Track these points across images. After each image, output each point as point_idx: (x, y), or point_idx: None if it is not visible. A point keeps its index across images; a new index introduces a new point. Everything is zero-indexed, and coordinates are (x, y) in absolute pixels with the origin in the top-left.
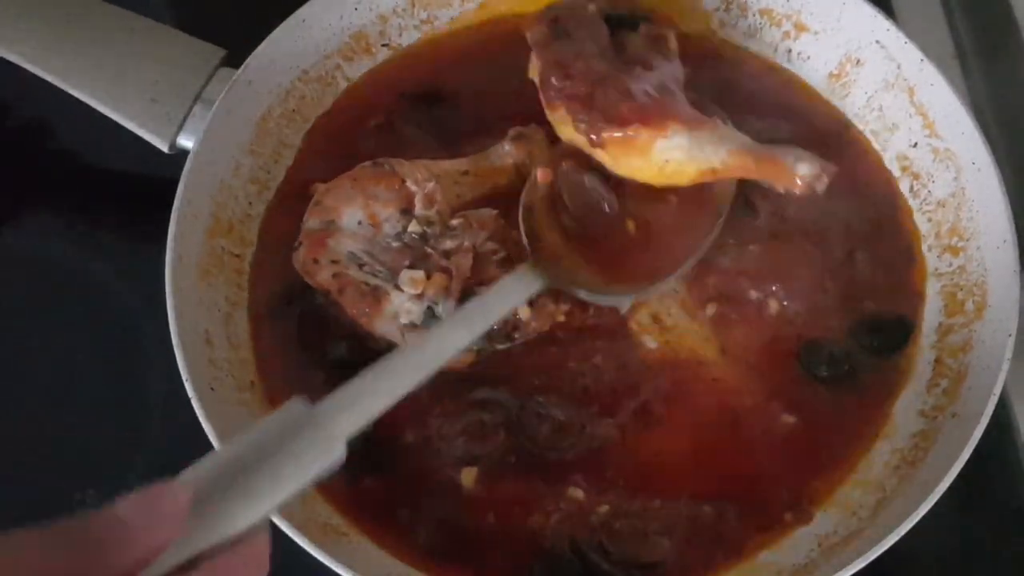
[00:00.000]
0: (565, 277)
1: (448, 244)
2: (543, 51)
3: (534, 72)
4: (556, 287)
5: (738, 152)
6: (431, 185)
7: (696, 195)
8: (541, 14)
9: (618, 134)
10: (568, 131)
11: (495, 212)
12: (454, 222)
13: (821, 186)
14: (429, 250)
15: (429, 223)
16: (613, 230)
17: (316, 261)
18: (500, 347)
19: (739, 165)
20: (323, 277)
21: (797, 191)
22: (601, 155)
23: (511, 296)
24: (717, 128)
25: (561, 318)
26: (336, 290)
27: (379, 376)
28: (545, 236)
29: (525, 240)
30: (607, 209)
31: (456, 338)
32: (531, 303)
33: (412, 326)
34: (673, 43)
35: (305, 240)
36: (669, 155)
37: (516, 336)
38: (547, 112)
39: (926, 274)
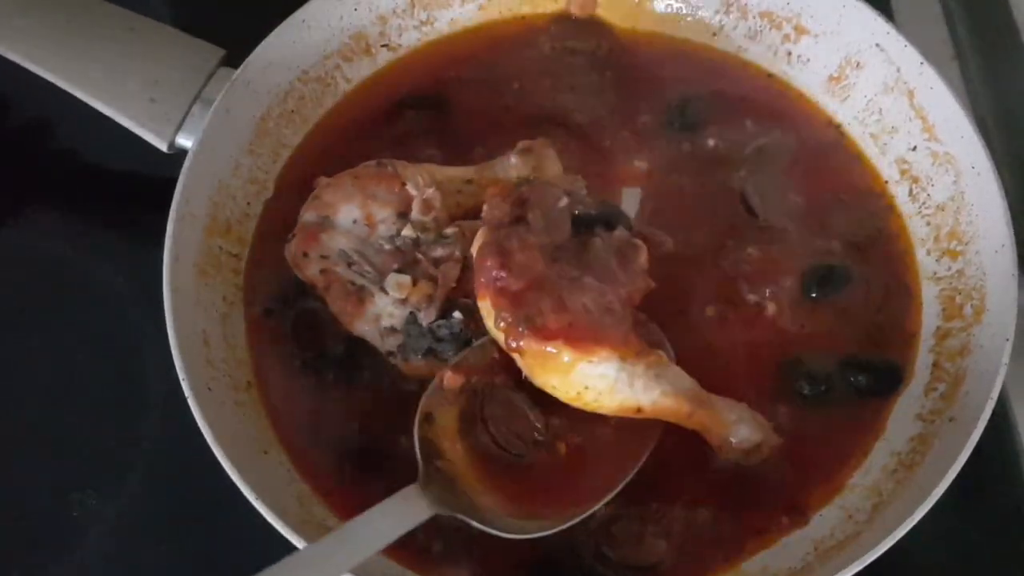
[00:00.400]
0: (463, 503)
1: (439, 252)
2: (492, 231)
3: (475, 247)
4: (449, 515)
5: (673, 396)
6: (431, 191)
7: (636, 421)
8: (509, 190)
9: (537, 346)
10: (490, 323)
11: None
12: (449, 231)
13: (756, 458)
14: (420, 256)
15: (424, 229)
16: (538, 452)
17: (306, 255)
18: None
19: (671, 410)
20: (311, 272)
21: (724, 456)
22: (518, 360)
23: (391, 524)
24: (656, 364)
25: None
26: (322, 286)
27: None
28: (446, 451)
29: (418, 454)
30: (536, 435)
31: (330, 567)
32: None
33: (392, 330)
34: (643, 258)
35: (299, 233)
36: (591, 382)
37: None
38: (476, 296)
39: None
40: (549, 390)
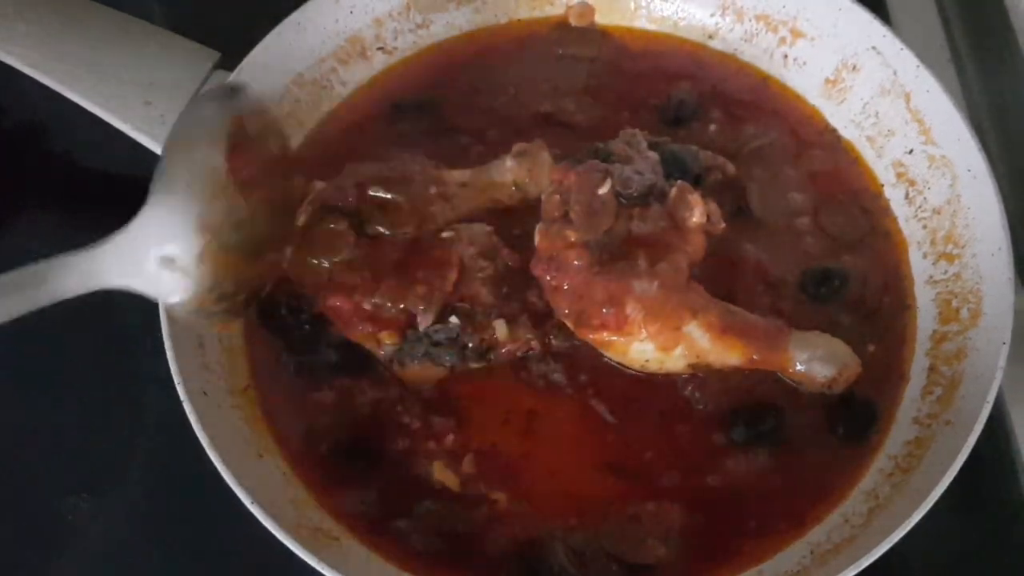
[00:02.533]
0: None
1: (435, 255)
2: (544, 227)
3: (538, 239)
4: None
5: (738, 347)
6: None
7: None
8: (561, 181)
9: (592, 336)
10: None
11: (489, 229)
12: (445, 235)
13: (837, 389)
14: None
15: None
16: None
17: (305, 259)
18: (474, 366)
19: (738, 361)
20: (309, 277)
21: (806, 391)
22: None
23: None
24: (719, 319)
25: (535, 345)
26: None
27: None
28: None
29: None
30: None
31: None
32: (509, 323)
33: (389, 335)
34: (697, 214)
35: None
36: (649, 356)
37: (490, 356)
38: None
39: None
40: (621, 363)
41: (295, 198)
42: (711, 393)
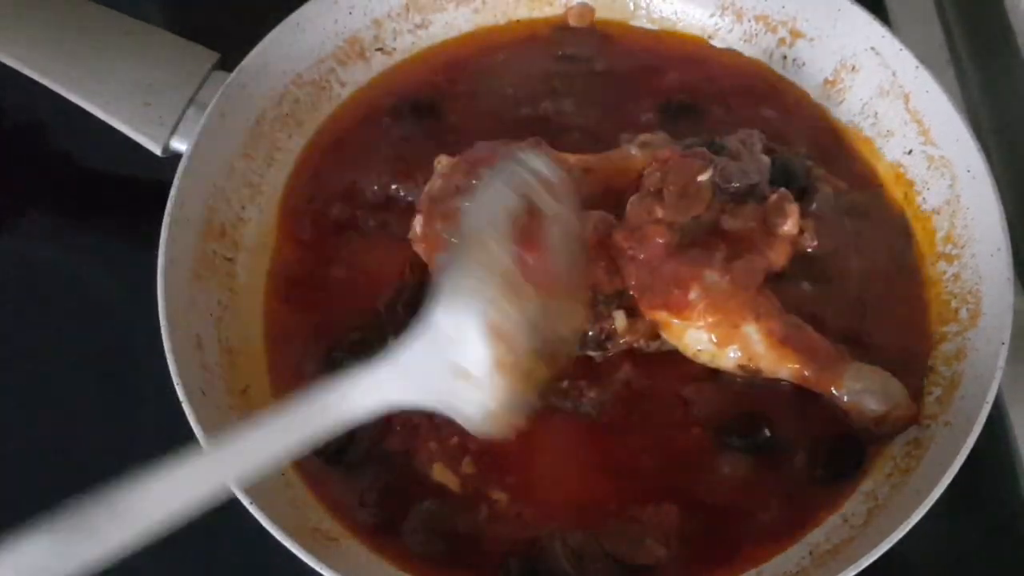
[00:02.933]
0: None
1: None
2: (637, 200)
3: (628, 208)
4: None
5: (793, 360)
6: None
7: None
8: (661, 162)
9: (651, 313)
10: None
11: (611, 217)
12: None
13: (886, 429)
14: None
15: None
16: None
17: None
18: (591, 354)
19: (789, 374)
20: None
21: (854, 422)
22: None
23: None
24: (780, 328)
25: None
26: None
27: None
28: None
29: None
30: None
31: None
32: (629, 313)
33: None
34: (790, 223)
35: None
36: (702, 346)
37: (608, 346)
38: None
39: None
40: (671, 345)
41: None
42: (709, 399)
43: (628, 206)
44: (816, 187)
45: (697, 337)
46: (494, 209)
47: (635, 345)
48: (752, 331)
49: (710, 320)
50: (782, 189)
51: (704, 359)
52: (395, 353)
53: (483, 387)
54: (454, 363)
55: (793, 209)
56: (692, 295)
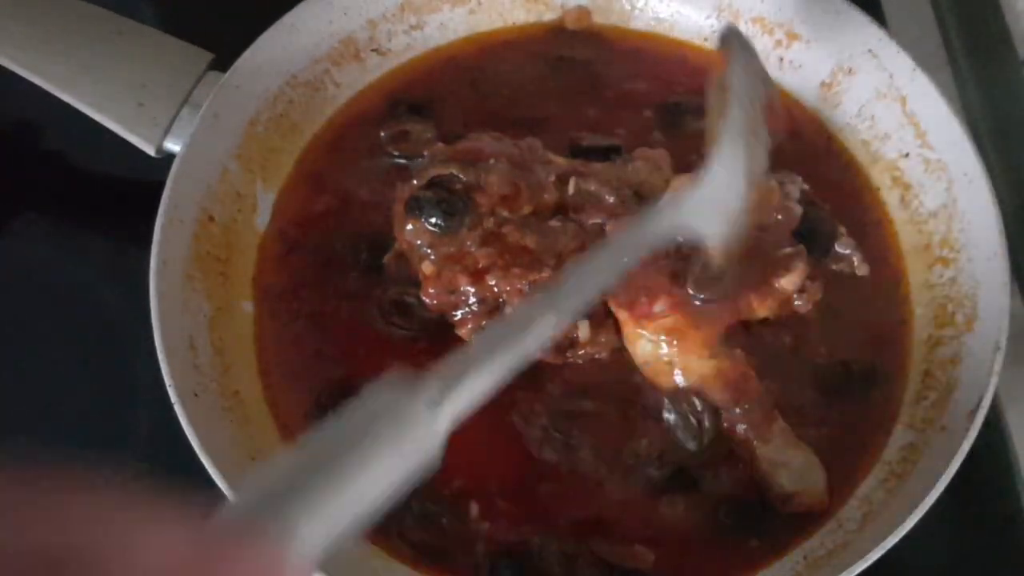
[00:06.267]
0: None
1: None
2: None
3: None
4: None
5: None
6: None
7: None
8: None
9: (616, 311)
10: None
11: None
12: (553, 223)
13: (788, 507)
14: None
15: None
16: None
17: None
18: (549, 360)
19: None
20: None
21: (761, 485)
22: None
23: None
24: (729, 371)
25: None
26: None
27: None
28: None
29: None
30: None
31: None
32: (593, 325)
33: None
34: (790, 279)
35: None
36: (647, 358)
37: (568, 354)
38: None
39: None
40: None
41: None
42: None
43: None
44: (839, 255)
45: (647, 350)
46: (755, 83)
47: (595, 356)
48: (703, 365)
49: (666, 339)
50: (800, 246)
51: (647, 372)
52: (690, 192)
53: (737, 225)
54: (724, 204)
55: (801, 270)
56: (657, 307)
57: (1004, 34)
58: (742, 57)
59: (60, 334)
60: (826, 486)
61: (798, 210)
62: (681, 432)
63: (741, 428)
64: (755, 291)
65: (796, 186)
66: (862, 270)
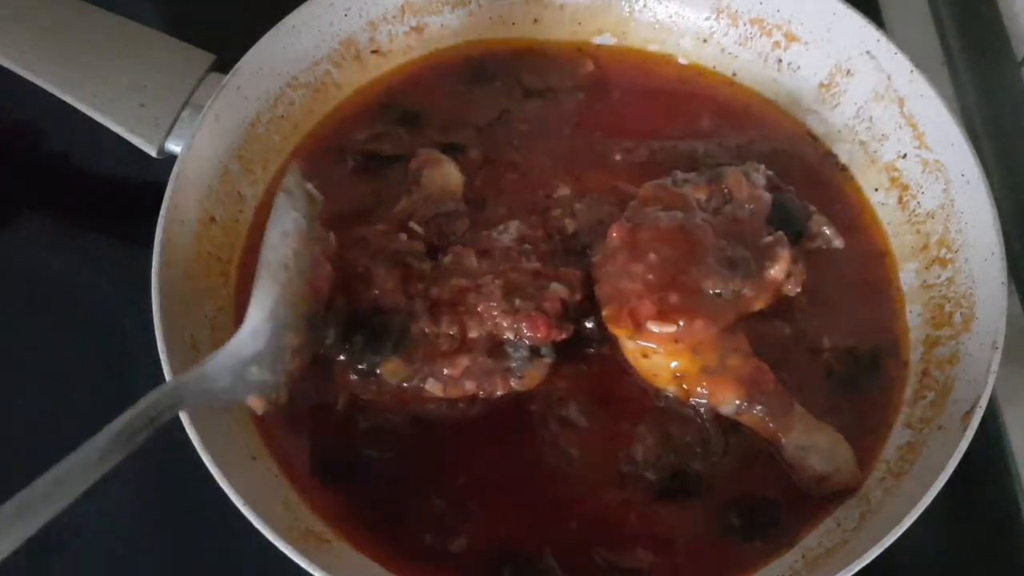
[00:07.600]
0: None
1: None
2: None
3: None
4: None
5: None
6: None
7: None
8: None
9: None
10: None
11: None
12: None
13: (825, 489)
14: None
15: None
16: None
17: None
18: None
19: (742, 418)
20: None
21: (794, 476)
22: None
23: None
24: (742, 365)
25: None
26: None
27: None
28: None
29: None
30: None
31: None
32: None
33: None
34: (776, 269)
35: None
36: (643, 352)
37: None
38: None
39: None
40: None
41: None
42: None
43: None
44: (814, 233)
45: (656, 362)
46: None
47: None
48: (712, 367)
49: (665, 348)
50: (779, 232)
51: (643, 368)
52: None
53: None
54: (255, 354)
55: (785, 255)
56: (672, 299)
57: (1002, 36)
58: (289, 204)
59: (60, 334)
60: (856, 461)
61: (767, 197)
62: (689, 438)
63: (764, 423)
64: (750, 286)
65: (760, 174)
66: (838, 242)
